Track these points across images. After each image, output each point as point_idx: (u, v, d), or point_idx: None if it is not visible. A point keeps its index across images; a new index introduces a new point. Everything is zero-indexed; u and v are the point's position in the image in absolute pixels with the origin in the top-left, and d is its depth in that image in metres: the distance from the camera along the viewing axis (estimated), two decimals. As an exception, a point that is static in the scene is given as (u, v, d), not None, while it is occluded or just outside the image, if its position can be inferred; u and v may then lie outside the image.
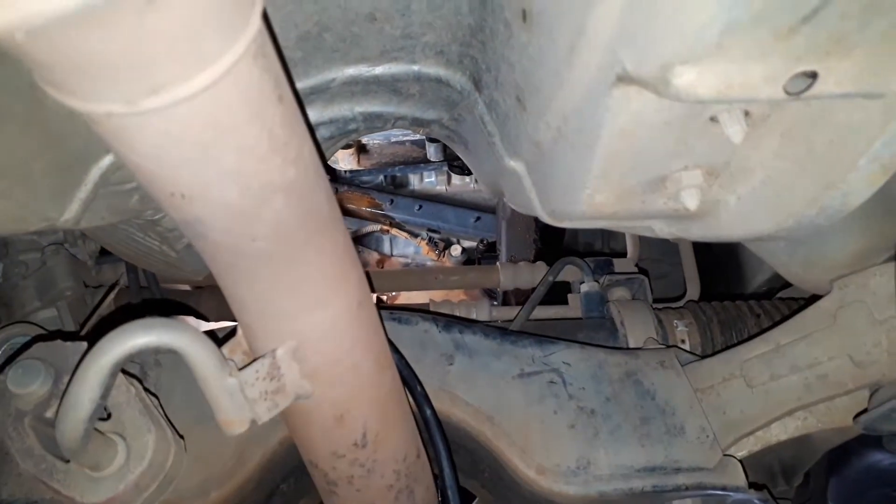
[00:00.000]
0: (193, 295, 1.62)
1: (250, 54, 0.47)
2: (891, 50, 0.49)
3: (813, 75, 0.50)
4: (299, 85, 0.94)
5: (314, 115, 1.03)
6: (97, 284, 1.55)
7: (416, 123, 1.11)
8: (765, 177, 0.69)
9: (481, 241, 2.42)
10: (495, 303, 2.10)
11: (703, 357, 1.12)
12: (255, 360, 0.73)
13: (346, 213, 2.46)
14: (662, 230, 0.86)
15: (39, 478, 0.76)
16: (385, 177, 2.51)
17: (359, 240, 2.53)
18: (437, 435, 0.91)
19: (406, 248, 2.53)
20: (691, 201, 0.70)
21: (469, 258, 2.45)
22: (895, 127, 0.54)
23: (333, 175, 2.44)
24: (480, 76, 0.90)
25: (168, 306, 1.52)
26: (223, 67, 0.43)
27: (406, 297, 2.22)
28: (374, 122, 1.08)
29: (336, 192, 2.41)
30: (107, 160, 0.84)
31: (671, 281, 2.00)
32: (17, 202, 0.80)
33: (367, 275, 0.84)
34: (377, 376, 0.82)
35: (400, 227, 2.45)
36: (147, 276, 1.49)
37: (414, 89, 1.01)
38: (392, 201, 2.40)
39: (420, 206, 2.38)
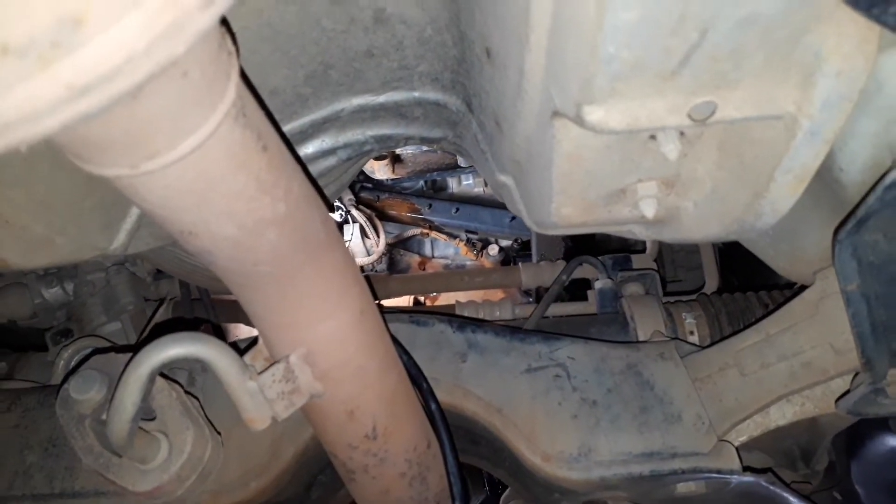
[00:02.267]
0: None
1: (230, 118, 0.57)
2: (771, 79, 0.55)
3: (712, 104, 0.57)
4: (312, 117, 1.05)
5: (330, 140, 1.13)
6: (157, 298, 1.72)
7: (425, 141, 1.20)
8: (713, 185, 0.75)
9: (516, 239, 2.49)
10: (530, 299, 2.17)
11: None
12: (271, 364, 0.84)
13: (388, 218, 2.58)
14: (641, 233, 0.93)
15: (98, 471, 0.89)
16: (425, 182, 2.61)
17: (401, 243, 2.65)
18: (441, 427, 1.01)
19: (446, 250, 2.63)
20: (649, 210, 0.77)
21: (506, 256, 2.53)
22: (797, 143, 0.60)
23: (376, 184, 2.56)
24: (470, 100, 0.99)
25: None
26: (204, 134, 0.54)
27: (445, 298, 2.32)
28: (387, 142, 1.17)
29: (378, 199, 2.53)
30: (145, 195, 0.97)
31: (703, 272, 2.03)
32: (71, 237, 0.93)
33: (370, 284, 0.94)
34: (383, 375, 0.92)
35: (439, 230, 2.55)
36: (199, 289, 1.64)
37: (417, 112, 1.10)
38: (430, 206, 2.50)
39: (457, 209, 2.48)
